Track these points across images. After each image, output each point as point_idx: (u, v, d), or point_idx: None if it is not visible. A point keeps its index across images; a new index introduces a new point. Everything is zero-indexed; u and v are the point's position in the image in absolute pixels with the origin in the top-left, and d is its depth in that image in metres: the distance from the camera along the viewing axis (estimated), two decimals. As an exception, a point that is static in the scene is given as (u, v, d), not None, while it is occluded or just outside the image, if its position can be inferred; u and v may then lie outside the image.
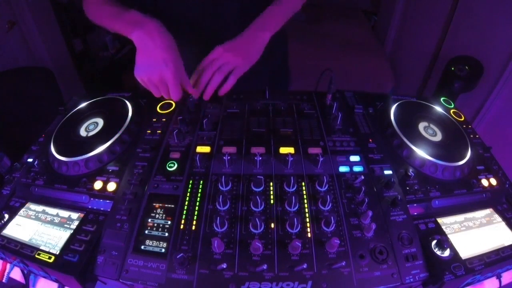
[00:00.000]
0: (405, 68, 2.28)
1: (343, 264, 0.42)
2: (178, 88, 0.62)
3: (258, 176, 0.51)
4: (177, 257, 0.41)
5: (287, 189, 0.51)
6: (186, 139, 0.61)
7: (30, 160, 0.61)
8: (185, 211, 0.49)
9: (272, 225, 0.47)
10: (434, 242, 0.46)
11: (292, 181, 0.50)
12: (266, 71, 0.87)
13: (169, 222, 0.47)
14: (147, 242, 0.46)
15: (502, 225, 0.51)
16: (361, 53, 1.98)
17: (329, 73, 0.64)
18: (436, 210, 0.52)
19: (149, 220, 0.48)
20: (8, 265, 0.53)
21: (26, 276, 0.52)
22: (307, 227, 0.47)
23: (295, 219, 0.45)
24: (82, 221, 0.49)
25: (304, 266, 0.42)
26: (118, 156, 0.58)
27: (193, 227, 0.47)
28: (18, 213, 0.51)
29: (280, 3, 0.73)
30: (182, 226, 0.47)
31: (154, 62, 0.59)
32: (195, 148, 0.59)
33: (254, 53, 0.68)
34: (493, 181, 0.57)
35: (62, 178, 0.56)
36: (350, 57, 1.93)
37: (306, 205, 0.49)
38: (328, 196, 0.49)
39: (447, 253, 0.45)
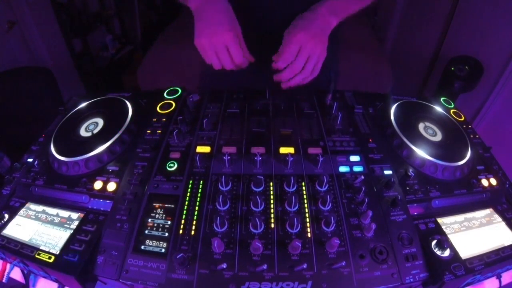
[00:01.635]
0: (405, 68, 2.28)
1: (343, 264, 0.42)
2: (239, 50, 0.61)
3: (258, 176, 0.51)
4: (177, 257, 0.41)
5: (287, 189, 0.51)
6: (186, 139, 0.61)
7: (30, 160, 0.61)
8: (185, 211, 0.49)
9: (272, 225, 0.47)
10: (434, 242, 0.46)
11: (292, 181, 0.50)
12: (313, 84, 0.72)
13: (169, 222, 0.47)
14: (147, 242, 0.46)
15: (502, 225, 0.51)
16: (361, 53, 1.98)
17: (329, 73, 0.65)
18: (436, 210, 0.52)
19: (149, 220, 0.48)
20: (8, 265, 0.53)
21: (26, 276, 0.52)
22: (307, 227, 0.47)
23: (295, 219, 0.45)
24: (82, 221, 0.49)
25: (304, 266, 0.42)
26: (118, 156, 0.58)
27: (193, 227, 0.47)
28: (18, 213, 0.51)
29: None
30: (182, 226, 0.47)
31: (215, 26, 0.59)
32: (195, 148, 0.59)
33: (325, 39, 0.64)
34: (493, 181, 0.57)
35: (62, 178, 0.56)
36: (350, 57, 1.93)
37: (306, 205, 0.49)
38: (328, 196, 0.49)
39: (447, 253, 0.45)
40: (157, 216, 0.48)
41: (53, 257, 0.45)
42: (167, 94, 0.73)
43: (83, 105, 0.70)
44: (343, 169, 0.55)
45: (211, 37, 0.59)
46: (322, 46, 0.63)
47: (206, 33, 0.59)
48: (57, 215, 0.51)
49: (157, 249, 0.45)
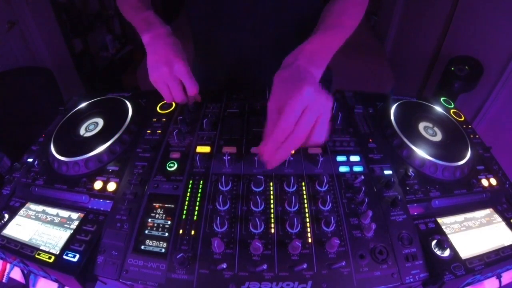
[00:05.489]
0: (405, 68, 2.28)
1: (343, 264, 0.42)
2: (193, 80, 0.61)
3: (258, 176, 0.51)
4: (177, 257, 0.41)
5: (287, 189, 0.51)
6: (186, 139, 0.61)
7: (30, 160, 0.61)
8: (185, 211, 0.49)
9: (272, 225, 0.47)
10: (434, 242, 0.46)
11: (292, 181, 0.50)
12: None
13: (169, 222, 0.47)
14: (147, 242, 0.46)
15: (502, 225, 0.51)
16: (361, 53, 1.98)
17: (329, 73, 0.64)
18: (436, 210, 0.52)
19: (149, 220, 0.48)
20: (8, 265, 0.53)
21: (26, 276, 0.52)
22: (307, 227, 0.47)
23: (295, 219, 0.45)
24: (82, 221, 0.49)
25: (304, 266, 0.42)
26: (118, 156, 0.58)
27: (193, 227, 0.47)
28: (18, 213, 0.51)
29: (332, 28, 0.60)
30: (182, 226, 0.47)
31: (164, 58, 0.59)
32: (195, 148, 0.59)
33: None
34: (493, 181, 0.57)
35: (62, 178, 0.56)
36: (350, 57, 1.93)
37: (306, 205, 0.49)
38: (328, 196, 0.49)
39: (447, 253, 0.45)
40: (157, 216, 0.48)
41: (53, 257, 0.45)
42: (167, 94, 0.73)
43: (83, 105, 0.70)
44: (343, 169, 0.55)
45: (162, 70, 0.59)
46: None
47: (157, 66, 0.59)
48: (57, 215, 0.51)
49: (157, 249, 0.45)
